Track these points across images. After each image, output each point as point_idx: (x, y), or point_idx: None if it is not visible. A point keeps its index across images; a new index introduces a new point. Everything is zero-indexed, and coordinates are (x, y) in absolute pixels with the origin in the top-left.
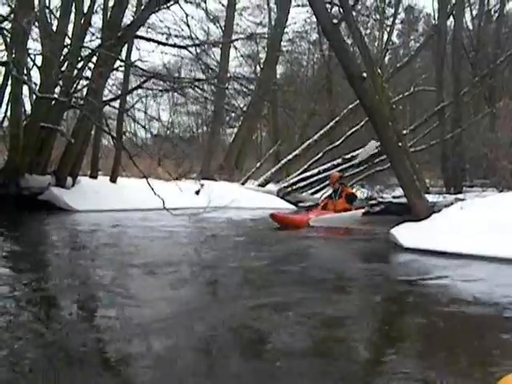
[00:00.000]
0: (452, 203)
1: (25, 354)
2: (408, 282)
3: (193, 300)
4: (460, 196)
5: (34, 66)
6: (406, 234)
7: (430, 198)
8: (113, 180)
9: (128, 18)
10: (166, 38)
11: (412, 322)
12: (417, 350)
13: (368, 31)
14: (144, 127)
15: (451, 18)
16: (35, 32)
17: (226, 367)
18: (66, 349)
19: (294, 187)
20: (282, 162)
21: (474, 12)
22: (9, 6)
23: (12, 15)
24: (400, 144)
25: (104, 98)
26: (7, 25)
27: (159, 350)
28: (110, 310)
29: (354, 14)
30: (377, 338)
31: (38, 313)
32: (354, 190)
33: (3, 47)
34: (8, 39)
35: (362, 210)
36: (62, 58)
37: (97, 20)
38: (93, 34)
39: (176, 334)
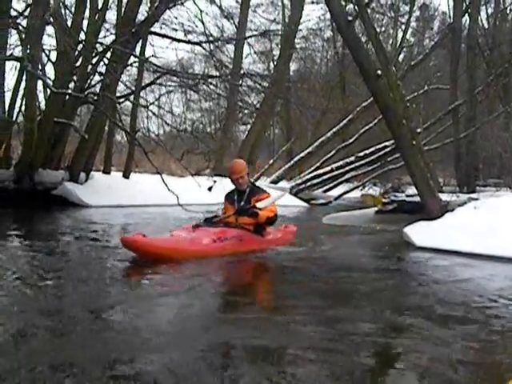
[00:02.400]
0: (465, 202)
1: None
2: (420, 280)
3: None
4: (473, 195)
5: (49, 62)
6: (419, 232)
7: (444, 196)
8: (126, 175)
9: (142, 14)
10: (184, 35)
11: (429, 323)
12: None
13: (383, 29)
14: (163, 120)
15: (466, 17)
16: (50, 28)
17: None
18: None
19: (307, 184)
20: (295, 159)
21: (490, 10)
22: (24, 1)
23: (28, 11)
24: (414, 142)
25: (118, 94)
26: (22, 20)
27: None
28: (120, 310)
29: (368, 11)
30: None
31: (45, 307)
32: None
33: (18, 43)
34: (23, 35)
35: (375, 209)
36: (77, 53)
37: (111, 16)
38: (107, 30)
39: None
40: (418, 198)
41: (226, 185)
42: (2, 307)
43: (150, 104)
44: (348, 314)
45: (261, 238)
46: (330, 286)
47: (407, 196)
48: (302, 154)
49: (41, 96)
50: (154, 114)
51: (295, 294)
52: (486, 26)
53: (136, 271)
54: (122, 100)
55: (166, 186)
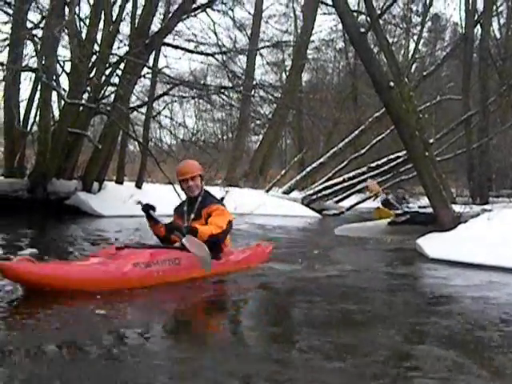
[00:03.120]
0: (479, 214)
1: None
2: (433, 293)
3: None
4: (487, 207)
5: (63, 73)
6: (432, 244)
7: (457, 208)
8: (138, 185)
9: (156, 25)
10: (195, 46)
11: (441, 337)
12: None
13: (395, 40)
14: (172, 133)
15: (478, 27)
16: (65, 39)
17: None
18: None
19: (319, 195)
20: (307, 169)
21: (502, 21)
22: (40, 13)
23: (43, 22)
24: (426, 153)
25: (131, 105)
26: (38, 32)
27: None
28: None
29: (380, 22)
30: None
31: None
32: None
33: (34, 54)
34: (38, 46)
35: (388, 220)
36: (91, 64)
37: (125, 27)
38: (121, 41)
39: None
40: (430, 210)
41: (237, 195)
42: None
43: (157, 114)
44: (360, 341)
45: (212, 261)
46: (340, 307)
47: (420, 207)
48: (314, 165)
49: (55, 106)
50: (163, 126)
51: (299, 318)
52: (498, 36)
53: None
54: (136, 110)
55: (179, 196)
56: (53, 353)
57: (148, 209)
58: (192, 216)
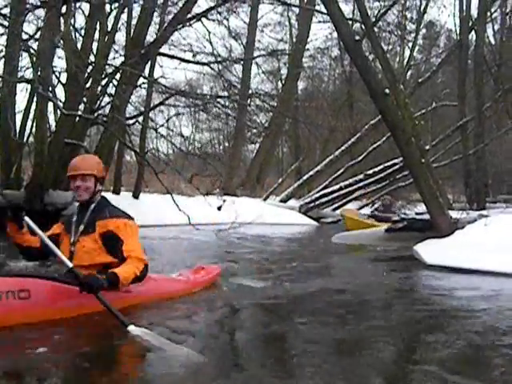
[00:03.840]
0: (476, 220)
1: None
2: (431, 299)
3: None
4: (484, 212)
5: (59, 84)
6: (429, 250)
7: (454, 214)
8: (136, 196)
9: (151, 35)
10: (193, 56)
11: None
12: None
13: (390, 47)
14: (172, 143)
15: (473, 33)
16: (60, 50)
17: None
18: None
19: (316, 203)
20: (304, 177)
21: (496, 27)
22: (35, 24)
23: (38, 34)
24: (423, 160)
25: (127, 115)
26: (33, 43)
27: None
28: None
29: (375, 30)
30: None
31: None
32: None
33: (29, 65)
34: (34, 57)
35: (385, 227)
36: (87, 75)
37: (120, 37)
38: (116, 52)
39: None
40: (427, 216)
41: (235, 204)
42: None
43: (160, 126)
44: (357, 353)
45: (111, 293)
46: (337, 314)
47: (417, 214)
48: (310, 173)
49: (51, 117)
50: (162, 135)
51: (292, 333)
52: (492, 42)
53: None
54: (131, 122)
55: (177, 206)
56: None
57: (15, 210)
58: (81, 228)
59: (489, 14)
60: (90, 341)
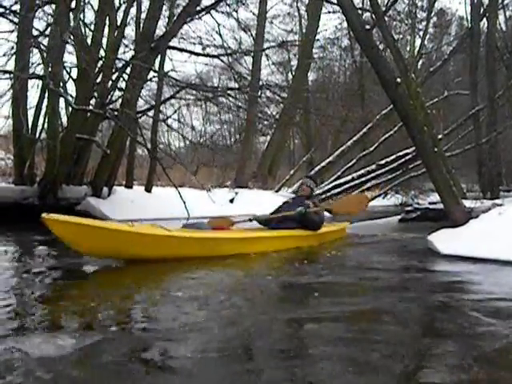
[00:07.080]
0: (490, 209)
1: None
2: (447, 289)
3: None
4: (498, 201)
5: (70, 79)
6: (443, 240)
7: (467, 203)
8: (148, 189)
9: (161, 29)
10: (203, 48)
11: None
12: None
13: (400, 36)
14: (183, 136)
15: (484, 20)
16: (70, 45)
17: None
18: None
19: (328, 194)
20: (316, 168)
21: (508, 13)
22: (45, 21)
23: (48, 30)
24: (436, 149)
25: (138, 109)
26: (44, 39)
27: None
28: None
29: (386, 19)
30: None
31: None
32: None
33: (40, 61)
34: (45, 54)
35: (399, 217)
36: (97, 70)
37: (130, 32)
38: (126, 46)
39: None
40: (441, 206)
41: (247, 196)
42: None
43: (168, 118)
44: (370, 335)
45: None
46: (350, 302)
47: (430, 203)
48: (322, 164)
49: (63, 113)
50: (173, 129)
51: (305, 315)
52: (504, 29)
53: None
54: (141, 115)
55: (184, 203)
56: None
57: None
58: None
59: (500, 0)
60: None
